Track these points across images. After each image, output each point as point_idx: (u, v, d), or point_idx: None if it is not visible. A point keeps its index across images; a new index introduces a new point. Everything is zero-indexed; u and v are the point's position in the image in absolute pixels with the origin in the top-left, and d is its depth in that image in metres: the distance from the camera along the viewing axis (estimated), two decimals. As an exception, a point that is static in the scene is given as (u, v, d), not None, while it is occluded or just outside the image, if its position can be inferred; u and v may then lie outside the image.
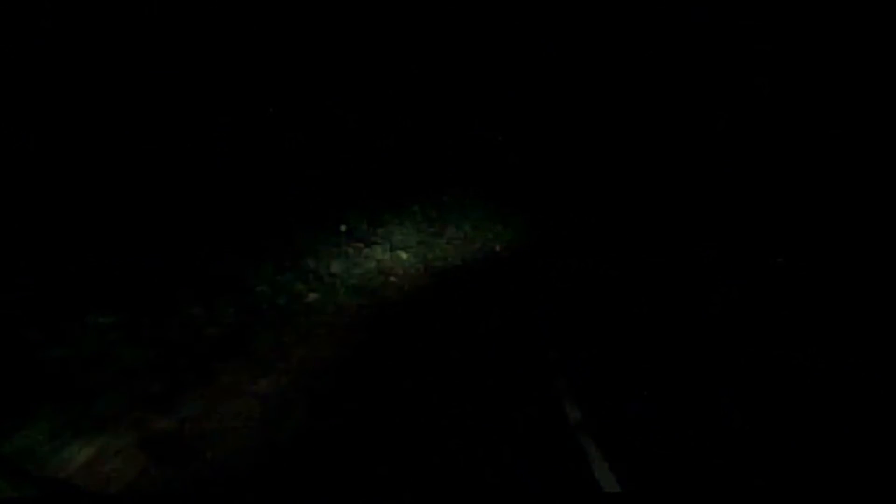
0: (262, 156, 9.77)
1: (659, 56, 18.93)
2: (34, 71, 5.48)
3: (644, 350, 5.47)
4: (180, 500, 2.55)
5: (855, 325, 6.90)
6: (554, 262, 13.70)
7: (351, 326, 6.46)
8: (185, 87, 7.98)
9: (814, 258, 13.64)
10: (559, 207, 18.40)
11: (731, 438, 3.38)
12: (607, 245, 17.70)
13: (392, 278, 9.19)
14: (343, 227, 10.16)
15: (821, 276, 11.62)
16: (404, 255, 10.49)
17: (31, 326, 3.87)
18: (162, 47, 7.47)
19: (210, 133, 8.57)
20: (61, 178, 5.37)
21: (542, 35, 18.12)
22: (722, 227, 19.27)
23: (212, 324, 5.23)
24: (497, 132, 18.27)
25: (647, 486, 2.91)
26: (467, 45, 16.20)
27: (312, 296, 7.26)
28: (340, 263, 8.85)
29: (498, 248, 14.00)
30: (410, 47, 14.39)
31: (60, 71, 5.76)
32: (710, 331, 6.43)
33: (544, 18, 18.18)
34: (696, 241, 18.33)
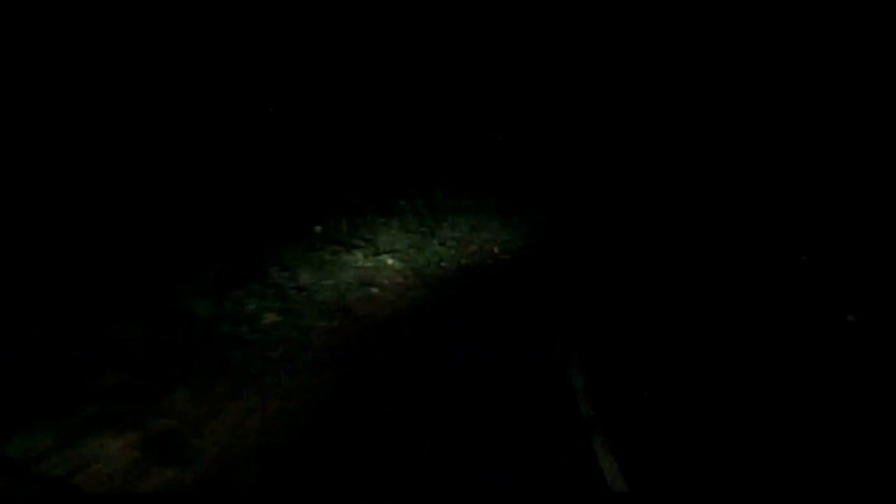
0: (223, 145, 8.24)
1: (660, 55, 18.00)
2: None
3: (653, 350, 5.43)
4: (180, 500, 2.46)
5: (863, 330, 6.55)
6: (558, 265, 12.32)
7: (317, 360, 4.89)
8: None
9: (824, 252, 13.12)
10: (560, 205, 16.96)
11: (739, 440, 3.35)
12: (611, 245, 16.62)
13: (375, 289, 7.62)
14: (318, 228, 8.59)
15: (831, 272, 11.19)
16: (390, 261, 8.92)
17: None
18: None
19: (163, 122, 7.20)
20: None
21: (544, 35, 17.15)
22: (725, 225, 18.41)
23: (104, 372, 3.64)
24: (497, 131, 17.01)
25: (655, 486, 2.84)
26: (468, 44, 15.11)
27: (270, 317, 5.68)
28: (311, 272, 7.28)
29: (496, 249, 12.46)
30: (410, 46, 13.20)
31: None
32: (718, 331, 6.30)
33: (546, 18, 17.20)
34: (699, 239, 17.37)
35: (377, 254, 8.99)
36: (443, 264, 10.02)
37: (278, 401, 3.91)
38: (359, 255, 8.51)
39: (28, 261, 4.21)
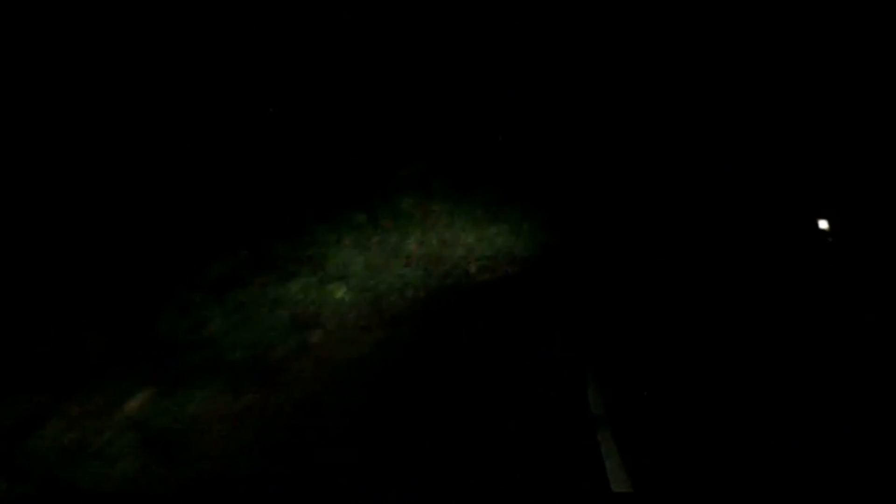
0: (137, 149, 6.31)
1: (661, 55, 17.12)
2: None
3: (654, 351, 5.34)
4: (180, 501, 2.49)
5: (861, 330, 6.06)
6: (545, 284, 10.63)
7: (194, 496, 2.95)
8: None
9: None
10: (547, 209, 15.27)
11: (740, 440, 3.25)
12: (604, 253, 15.39)
13: (316, 334, 5.70)
14: (244, 252, 6.61)
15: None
16: (340, 291, 6.99)
17: None
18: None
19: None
20: None
21: (544, 35, 15.91)
22: (725, 225, 18.03)
23: None
24: (497, 131, 15.42)
25: (658, 486, 2.77)
26: (467, 43, 13.63)
27: (134, 403, 3.71)
28: (225, 317, 5.31)
29: (473, 268, 10.64)
30: (406, 44, 11.61)
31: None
32: (722, 330, 6.20)
33: (546, 17, 15.99)
34: (700, 241, 16.65)
35: (323, 282, 7.03)
36: (408, 292, 8.14)
37: None
38: (297, 284, 6.55)
39: None
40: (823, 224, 16.32)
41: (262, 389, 4.34)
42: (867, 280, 10.16)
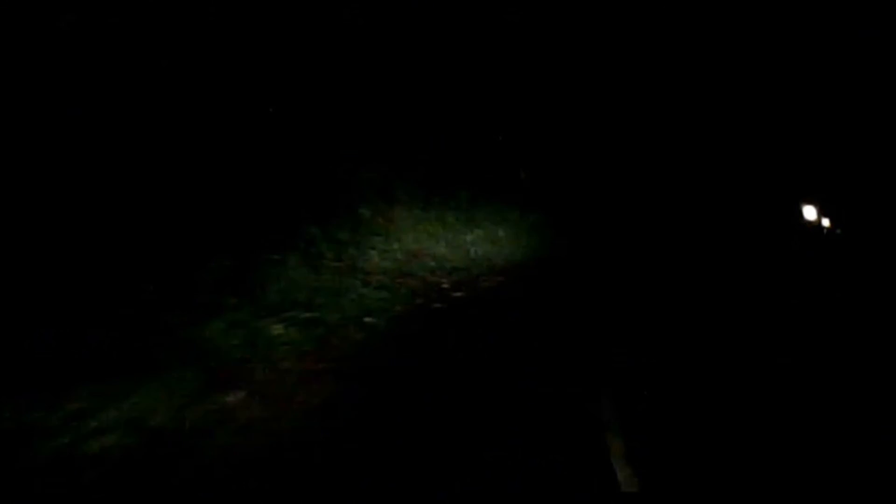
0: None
1: (661, 55, 16.83)
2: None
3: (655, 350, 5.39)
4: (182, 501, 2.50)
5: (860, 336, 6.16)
6: (529, 302, 9.39)
7: None
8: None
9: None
10: (534, 208, 14.01)
11: (746, 440, 3.29)
12: (608, 254, 14.63)
13: (237, 394, 4.33)
14: (149, 287, 5.22)
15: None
16: (278, 328, 5.63)
17: None
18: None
19: None
20: None
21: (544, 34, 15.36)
22: (728, 225, 17.77)
23: None
24: (498, 131, 14.53)
25: (668, 488, 2.80)
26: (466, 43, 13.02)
27: None
28: (100, 383, 3.92)
29: (445, 283, 9.34)
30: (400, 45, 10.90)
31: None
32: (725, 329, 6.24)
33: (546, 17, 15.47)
34: (706, 241, 17.03)
35: (256, 317, 5.67)
36: (367, 319, 6.79)
37: None
38: (219, 324, 5.18)
39: None
40: (811, 214, 16.05)
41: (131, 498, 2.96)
42: (871, 275, 10.37)
